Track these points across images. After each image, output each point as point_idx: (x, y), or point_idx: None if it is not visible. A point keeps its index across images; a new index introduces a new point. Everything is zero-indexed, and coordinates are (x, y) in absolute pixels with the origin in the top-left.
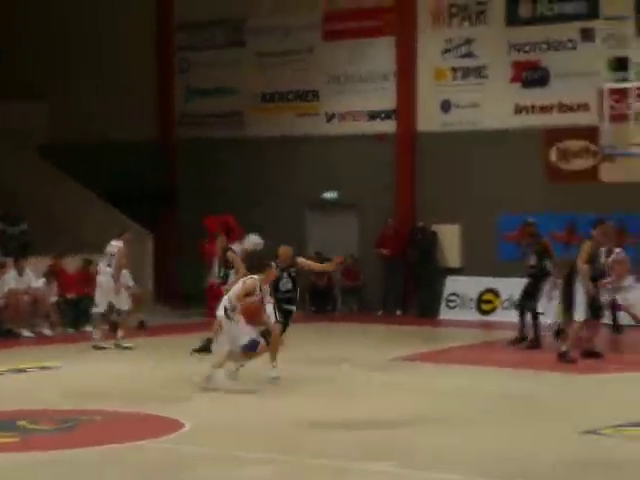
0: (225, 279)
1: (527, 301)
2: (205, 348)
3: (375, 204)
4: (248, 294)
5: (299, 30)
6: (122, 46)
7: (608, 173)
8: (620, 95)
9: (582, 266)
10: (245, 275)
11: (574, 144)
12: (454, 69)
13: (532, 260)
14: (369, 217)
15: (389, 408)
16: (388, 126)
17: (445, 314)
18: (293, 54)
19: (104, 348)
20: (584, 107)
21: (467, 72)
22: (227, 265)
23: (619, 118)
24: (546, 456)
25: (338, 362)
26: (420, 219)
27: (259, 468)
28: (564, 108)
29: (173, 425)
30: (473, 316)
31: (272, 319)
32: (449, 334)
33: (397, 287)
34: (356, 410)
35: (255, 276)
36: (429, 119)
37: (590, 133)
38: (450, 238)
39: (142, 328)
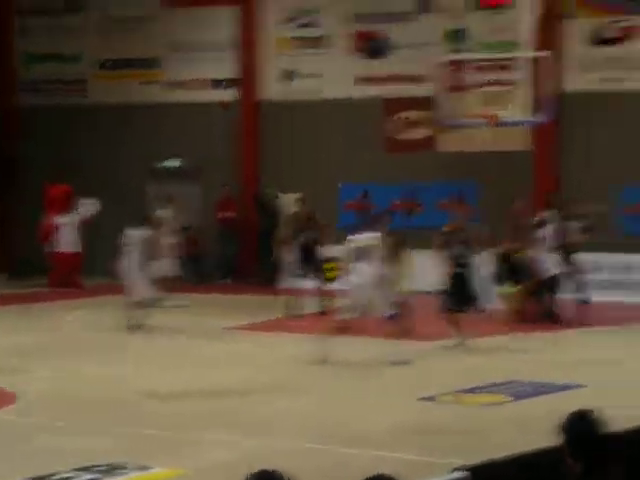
0: None
1: None
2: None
3: (218, 173)
4: None
5: None
6: None
7: (444, 143)
8: (456, 67)
9: None
10: None
11: (412, 114)
12: (296, 39)
13: None
14: (212, 186)
15: (219, 378)
16: (231, 95)
17: (287, 282)
18: (133, 21)
19: None
20: (422, 78)
21: (308, 42)
22: None
23: (455, 89)
24: (384, 422)
25: (173, 332)
26: (263, 188)
27: (97, 440)
28: (403, 79)
29: (7, 396)
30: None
31: None
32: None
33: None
34: (186, 380)
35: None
36: (271, 88)
37: (427, 104)
38: (292, 206)
39: None
